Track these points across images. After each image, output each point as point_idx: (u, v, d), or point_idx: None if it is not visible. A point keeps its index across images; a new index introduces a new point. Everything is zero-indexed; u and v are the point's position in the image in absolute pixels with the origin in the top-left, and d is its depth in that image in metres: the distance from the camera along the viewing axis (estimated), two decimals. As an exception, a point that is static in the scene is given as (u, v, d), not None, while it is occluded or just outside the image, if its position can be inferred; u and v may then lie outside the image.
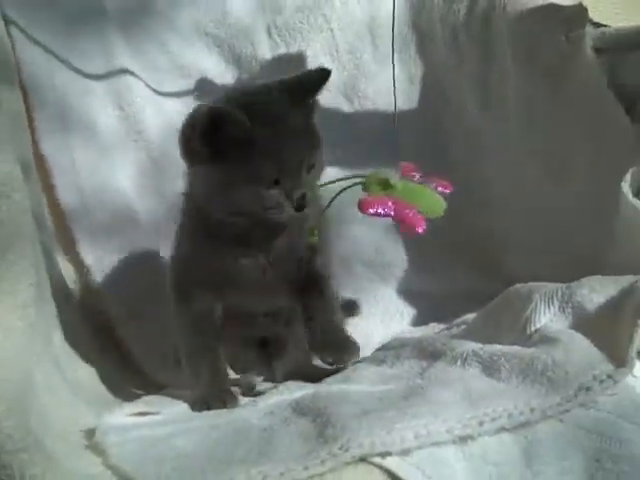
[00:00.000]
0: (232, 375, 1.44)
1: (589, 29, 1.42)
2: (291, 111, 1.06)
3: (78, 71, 1.55)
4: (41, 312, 0.96)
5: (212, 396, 1.12)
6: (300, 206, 1.05)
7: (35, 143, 1.42)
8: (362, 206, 0.98)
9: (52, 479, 0.80)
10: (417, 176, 1.05)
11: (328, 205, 1.05)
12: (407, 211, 0.98)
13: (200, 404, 1.11)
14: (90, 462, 0.89)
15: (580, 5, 1.46)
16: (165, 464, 0.86)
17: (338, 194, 1.02)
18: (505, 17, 1.58)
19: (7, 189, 0.92)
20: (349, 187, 1.02)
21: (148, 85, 1.63)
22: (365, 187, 1.01)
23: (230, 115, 1.02)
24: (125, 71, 1.62)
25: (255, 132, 1.02)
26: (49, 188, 1.43)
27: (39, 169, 1.41)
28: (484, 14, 1.63)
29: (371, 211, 0.98)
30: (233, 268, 1.14)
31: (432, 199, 1.02)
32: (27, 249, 0.92)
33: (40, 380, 0.92)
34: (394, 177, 1.01)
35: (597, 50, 1.41)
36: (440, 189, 1.04)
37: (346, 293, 1.57)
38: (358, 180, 1.01)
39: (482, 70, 1.63)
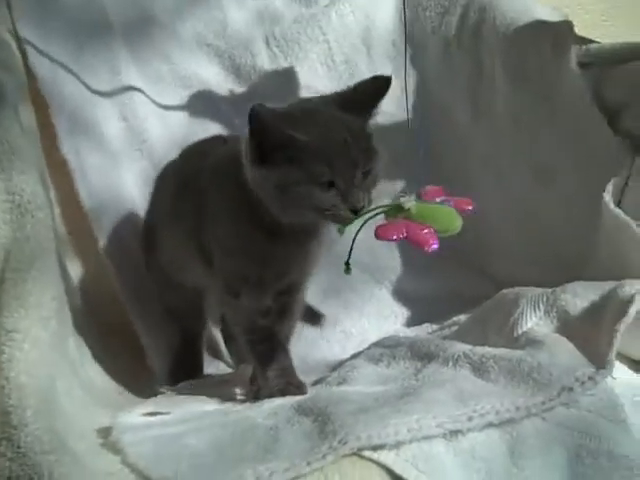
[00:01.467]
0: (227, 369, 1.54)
1: (574, 45, 1.49)
2: (346, 117, 1.09)
3: (85, 83, 1.61)
4: (60, 321, 1.03)
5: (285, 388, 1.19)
6: (355, 209, 1.07)
7: (56, 149, 1.47)
8: (378, 232, 1.04)
9: (78, 478, 0.86)
10: (437, 199, 1.11)
11: (354, 240, 1.08)
12: (420, 231, 1.03)
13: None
14: (109, 461, 0.95)
15: (566, 21, 1.53)
16: (180, 462, 0.93)
17: (361, 227, 1.07)
18: (494, 30, 1.64)
19: (32, 207, 0.99)
20: (372, 217, 1.08)
21: (150, 97, 1.69)
22: (386, 215, 1.07)
23: (266, 113, 1.05)
24: (129, 83, 1.68)
25: (308, 134, 1.06)
26: (72, 190, 1.48)
27: (61, 173, 1.46)
28: (475, 27, 1.69)
29: (386, 237, 1.04)
30: (281, 258, 1.20)
31: (447, 218, 1.07)
32: (50, 263, 0.99)
33: (60, 385, 0.99)
34: (410, 201, 1.06)
35: (582, 65, 1.48)
36: (460, 207, 1.09)
37: (341, 295, 1.65)
38: (380, 210, 1.08)
39: (473, 81, 1.69)
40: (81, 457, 0.91)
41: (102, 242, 1.48)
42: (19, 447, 0.87)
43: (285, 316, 1.28)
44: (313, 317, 1.55)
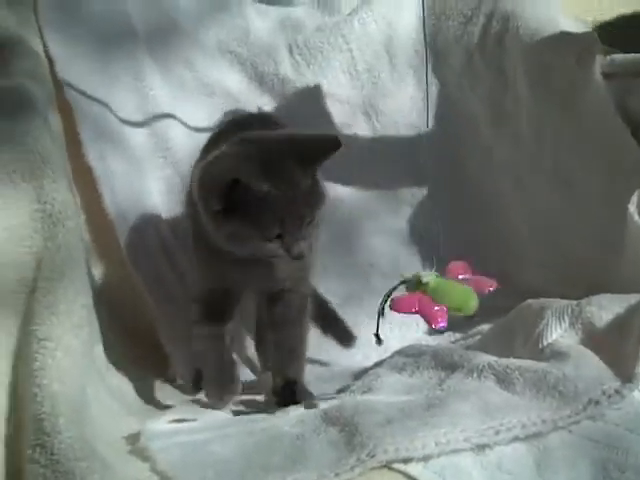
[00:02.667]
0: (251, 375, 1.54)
1: (599, 56, 1.49)
2: (300, 172, 1.14)
3: (110, 89, 1.62)
4: (89, 328, 1.04)
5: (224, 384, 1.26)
6: (297, 257, 1.15)
7: (80, 155, 1.48)
8: (394, 305, 1.12)
9: (109, 486, 0.88)
10: (460, 276, 1.16)
11: (381, 312, 1.15)
12: (432, 308, 1.09)
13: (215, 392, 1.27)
14: (137, 468, 0.96)
15: (591, 32, 1.54)
16: (207, 470, 0.94)
17: (385, 299, 1.13)
18: (518, 40, 1.65)
19: (63, 217, 1.00)
20: (395, 289, 1.15)
21: (174, 104, 1.70)
22: (406, 287, 1.14)
23: (248, 179, 1.10)
24: (153, 90, 1.69)
25: (266, 192, 1.11)
26: (96, 197, 1.49)
27: (84, 180, 1.47)
28: (498, 36, 1.70)
29: (400, 310, 1.11)
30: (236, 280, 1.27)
31: (463, 297, 1.11)
32: (80, 272, 1.00)
33: (90, 392, 1.00)
34: (429, 276, 1.12)
35: (606, 75, 1.48)
36: (480, 288, 1.14)
37: (363, 303, 1.65)
38: (399, 284, 1.15)
39: (496, 90, 1.69)
40: (111, 464, 0.92)
41: (126, 249, 1.49)
42: (52, 454, 0.88)
43: (281, 326, 1.31)
44: (343, 337, 1.55)
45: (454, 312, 1.10)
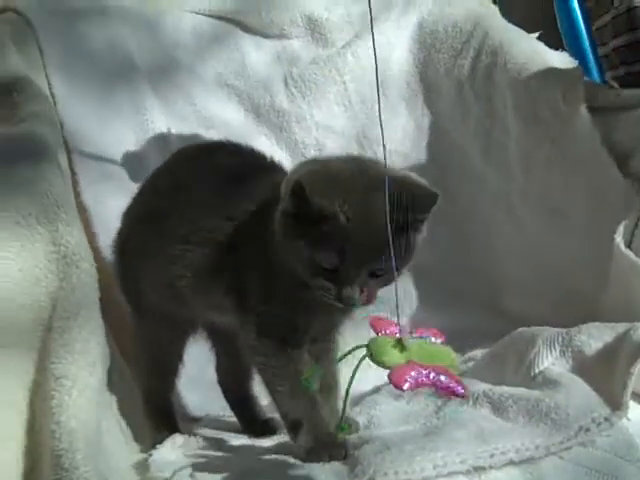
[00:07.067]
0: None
1: (584, 90, 1.54)
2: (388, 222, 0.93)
3: (112, 125, 1.67)
4: (103, 364, 1.08)
5: (330, 447, 1.10)
6: (345, 303, 1.07)
7: (77, 195, 1.52)
8: (396, 381, 0.86)
9: (122, 517, 0.92)
10: (410, 333, 0.93)
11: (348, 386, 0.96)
12: (443, 377, 0.87)
13: (319, 455, 1.10)
14: (149, 497, 1.01)
15: (577, 67, 1.60)
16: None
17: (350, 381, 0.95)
18: (506, 74, 1.70)
19: (77, 258, 1.04)
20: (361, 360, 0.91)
21: (175, 137, 1.74)
22: (374, 355, 0.89)
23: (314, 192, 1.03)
24: (154, 124, 1.74)
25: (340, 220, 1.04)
26: (90, 236, 1.52)
27: (82, 218, 1.50)
28: (487, 70, 1.75)
29: (409, 384, 0.85)
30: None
31: (444, 354, 0.91)
32: (94, 311, 1.04)
33: (105, 425, 1.04)
34: (413, 340, 0.91)
35: (591, 109, 1.53)
36: (435, 339, 0.95)
37: (358, 329, 1.67)
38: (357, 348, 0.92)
39: (485, 122, 1.74)
40: (124, 496, 0.96)
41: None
42: None
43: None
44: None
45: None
